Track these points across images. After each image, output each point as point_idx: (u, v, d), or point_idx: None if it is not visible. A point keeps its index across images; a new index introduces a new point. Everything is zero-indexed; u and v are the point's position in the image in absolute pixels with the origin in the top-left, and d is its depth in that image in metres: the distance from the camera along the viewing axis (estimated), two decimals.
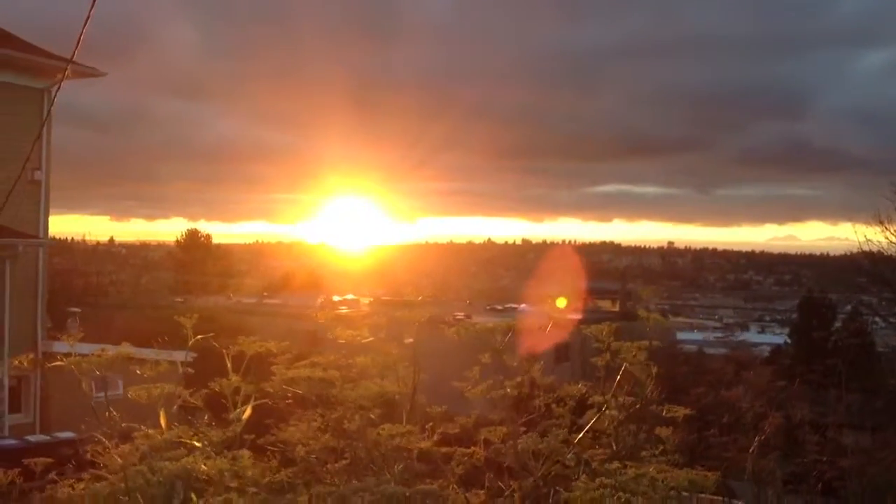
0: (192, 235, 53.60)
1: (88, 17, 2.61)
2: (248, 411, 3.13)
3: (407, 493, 2.58)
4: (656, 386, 3.64)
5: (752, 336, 64.10)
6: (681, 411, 3.54)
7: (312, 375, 3.19)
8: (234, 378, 3.17)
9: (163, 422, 2.95)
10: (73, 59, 2.88)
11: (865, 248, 27.03)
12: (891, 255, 27.01)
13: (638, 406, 3.56)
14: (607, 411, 3.39)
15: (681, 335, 48.39)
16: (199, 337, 3.26)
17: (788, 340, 41.82)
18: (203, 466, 2.57)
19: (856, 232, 27.13)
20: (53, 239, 20.48)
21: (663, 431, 3.50)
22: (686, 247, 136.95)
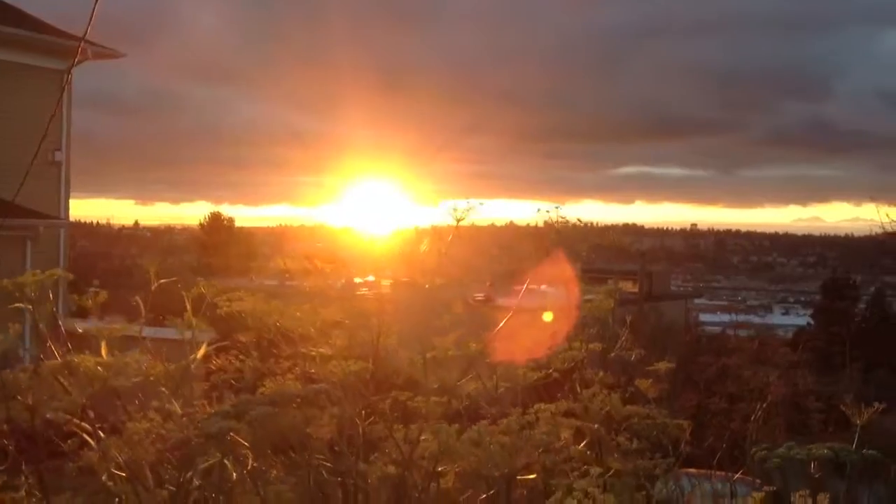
0: (216, 218, 53.86)
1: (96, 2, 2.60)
2: (203, 350, 3.07)
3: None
4: (635, 339, 3.56)
5: (775, 318, 63.70)
6: (662, 365, 3.46)
7: (255, 307, 3.09)
8: (188, 315, 3.10)
9: None
10: (88, 37, 2.88)
11: (889, 228, 26.82)
12: None
13: (609, 353, 3.47)
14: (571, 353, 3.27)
15: (703, 317, 48.12)
16: (161, 281, 3.19)
17: (812, 322, 41.57)
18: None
19: (879, 213, 26.89)
20: (77, 222, 20.67)
21: (643, 383, 3.41)
22: (709, 228, 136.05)
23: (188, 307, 3.10)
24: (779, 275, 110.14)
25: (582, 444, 3.08)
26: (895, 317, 36.32)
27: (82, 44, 3.16)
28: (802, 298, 74.41)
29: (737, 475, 3.12)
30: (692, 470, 3.28)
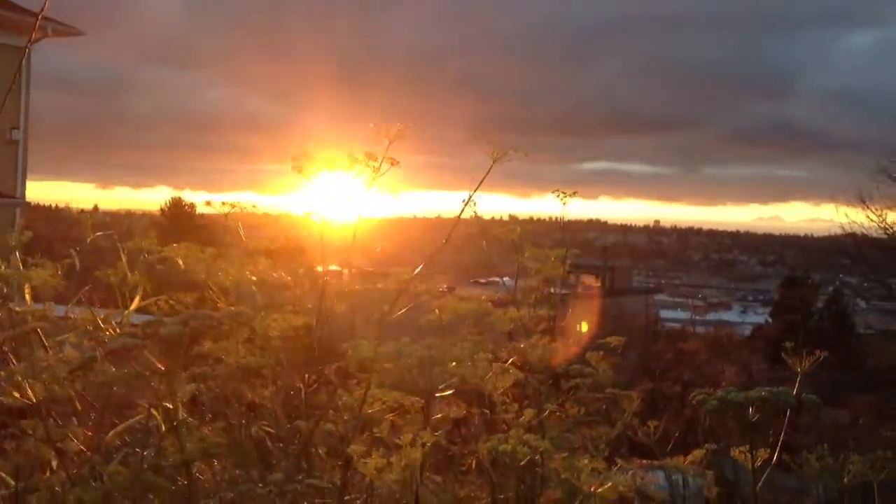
0: (176, 204, 53.36)
1: None
2: (137, 302, 2.99)
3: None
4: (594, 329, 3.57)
5: (734, 315, 64.55)
6: (615, 340, 3.44)
7: (188, 256, 3.00)
8: (121, 265, 3.01)
9: None
10: (47, 14, 2.81)
11: (848, 228, 27.24)
12: (872, 235, 27.24)
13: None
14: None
15: (664, 313, 48.65)
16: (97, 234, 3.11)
17: (770, 320, 42.15)
18: None
19: (838, 212, 27.33)
20: (35, 205, 20.38)
21: (593, 356, 3.39)
22: (672, 225, 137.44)
23: (123, 259, 3.00)
24: (739, 273, 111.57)
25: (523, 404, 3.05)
26: (851, 316, 36.96)
27: (40, 20, 3.08)
28: (761, 297, 75.40)
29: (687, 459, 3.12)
30: (645, 461, 3.28)
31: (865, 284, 33.33)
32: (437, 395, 2.59)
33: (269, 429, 2.82)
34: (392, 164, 2.61)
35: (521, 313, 3.19)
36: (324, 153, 2.58)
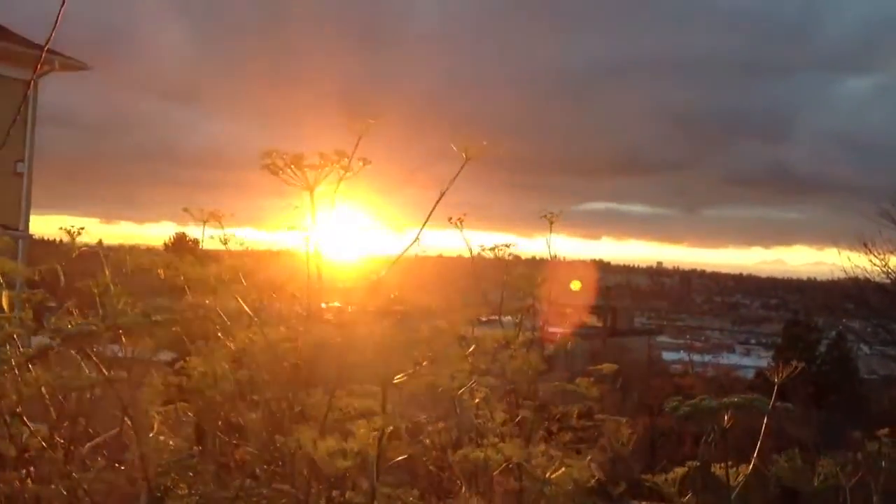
0: (180, 239, 53.50)
1: (63, 5, 2.56)
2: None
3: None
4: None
5: (736, 358, 64.21)
6: (608, 367, 3.41)
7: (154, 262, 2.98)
8: (105, 277, 3.00)
9: None
10: (54, 49, 2.82)
11: (851, 273, 27.21)
12: (875, 280, 27.19)
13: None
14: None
15: (666, 355, 48.41)
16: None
17: (772, 363, 41.87)
18: None
19: (841, 256, 27.31)
20: (41, 239, 20.47)
21: (582, 382, 3.34)
22: (674, 267, 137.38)
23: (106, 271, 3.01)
24: (742, 316, 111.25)
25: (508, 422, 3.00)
26: (854, 361, 36.76)
27: (46, 54, 3.12)
28: (764, 340, 75.10)
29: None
30: None
31: (868, 329, 33.16)
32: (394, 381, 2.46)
33: (252, 450, 2.78)
34: (364, 163, 2.56)
35: (507, 333, 3.19)
36: (294, 150, 2.53)
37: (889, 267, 26.95)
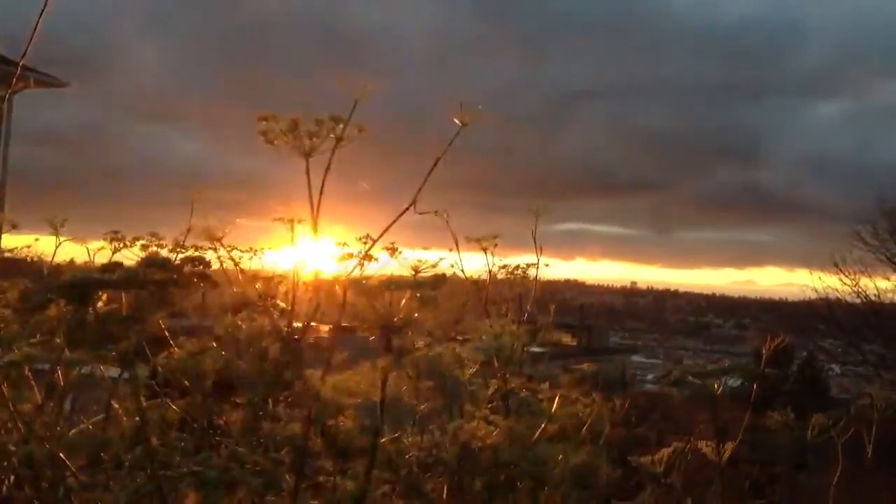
0: (153, 258, 53.08)
1: (39, 21, 2.56)
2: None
3: None
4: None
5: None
6: (586, 365, 3.47)
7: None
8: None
9: None
10: (31, 65, 2.83)
11: (822, 293, 27.48)
12: (846, 300, 27.49)
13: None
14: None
15: (640, 373, 48.59)
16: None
17: (745, 382, 42.07)
18: None
19: (812, 277, 27.61)
20: (10, 258, 20.26)
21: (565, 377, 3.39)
22: (648, 287, 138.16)
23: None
24: (714, 335, 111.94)
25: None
26: (826, 380, 37.10)
27: (22, 70, 3.10)
28: (736, 360, 75.58)
29: None
30: None
31: (840, 349, 33.51)
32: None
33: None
34: (360, 130, 2.56)
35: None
36: (288, 114, 2.52)
37: (860, 287, 27.31)
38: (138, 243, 3.14)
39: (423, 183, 2.53)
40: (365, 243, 2.64)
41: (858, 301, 27.61)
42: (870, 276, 27.29)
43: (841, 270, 27.21)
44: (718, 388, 2.68)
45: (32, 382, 2.63)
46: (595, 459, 2.89)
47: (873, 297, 27.54)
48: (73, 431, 2.52)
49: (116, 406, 2.74)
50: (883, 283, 27.24)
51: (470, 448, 2.59)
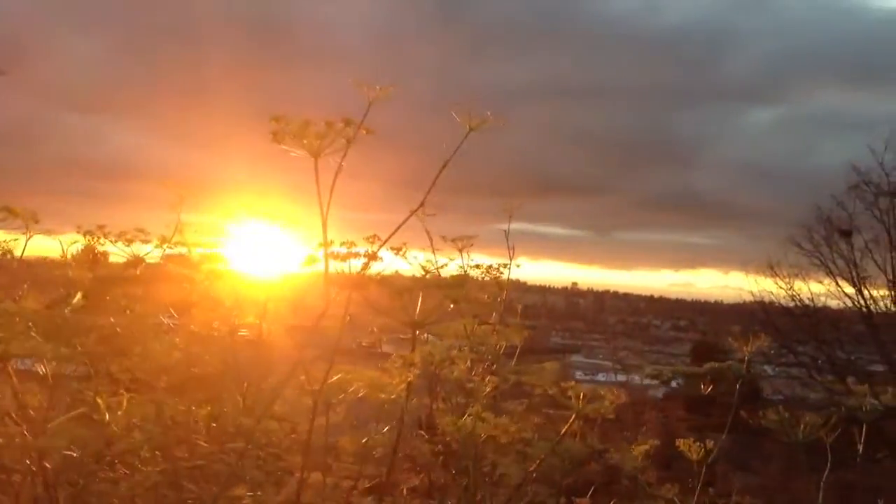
0: (88, 252, 52.05)
1: None
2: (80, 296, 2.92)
3: None
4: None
5: (648, 378, 65.35)
6: (551, 365, 3.54)
7: None
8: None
9: None
10: None
11: (757, 296, 28.06)
12: (781, 303, 28.11)
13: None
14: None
15: (579, 374, 49.09)
16: None
17: (681, 383, 42.79)
18: None
19: (748, 280, 28.18)
20: None
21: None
22: (589, 288, 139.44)
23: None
24: (652, 336, 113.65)
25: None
26: (759, 382, 37.89)
27: None
28: (674, 360, 76.83)
29: None
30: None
31: (773, 351, 34.24)
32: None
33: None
34: (367, 132, 2.54)
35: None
36: (300, 116, 2.49)
37: (794, 290, 27.97)
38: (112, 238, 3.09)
39: (433, 185, 2.55)
40: (372, 243, 2.65)
41: (793, 304, 28.27)
42: (804, 280, 27.97)
43: (776, 274, 27.86)
44: (706, 389, 2.74)
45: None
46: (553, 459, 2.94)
47: (807, 301, 28.22)
48: (51, 425, 2.47)
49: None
50: (816, 287, 27.93)
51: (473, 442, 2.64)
